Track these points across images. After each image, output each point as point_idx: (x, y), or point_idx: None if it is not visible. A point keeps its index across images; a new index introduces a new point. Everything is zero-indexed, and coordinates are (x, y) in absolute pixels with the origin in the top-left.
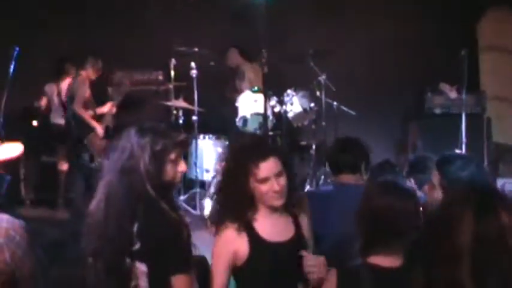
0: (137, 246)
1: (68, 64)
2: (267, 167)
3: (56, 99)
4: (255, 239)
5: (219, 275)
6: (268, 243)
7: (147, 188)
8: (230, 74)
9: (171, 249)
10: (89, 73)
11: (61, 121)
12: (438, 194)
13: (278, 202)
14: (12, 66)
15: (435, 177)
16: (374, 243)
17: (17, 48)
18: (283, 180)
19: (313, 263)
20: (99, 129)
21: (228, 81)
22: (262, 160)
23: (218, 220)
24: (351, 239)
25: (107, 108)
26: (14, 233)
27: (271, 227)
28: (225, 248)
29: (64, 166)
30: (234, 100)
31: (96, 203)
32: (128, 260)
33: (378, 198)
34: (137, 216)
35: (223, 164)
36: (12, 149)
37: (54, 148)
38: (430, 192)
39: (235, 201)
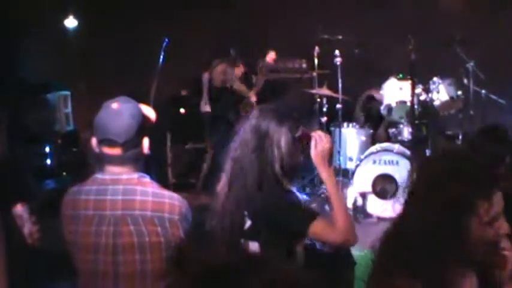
0: (248, 224)
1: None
2: (499, 200)
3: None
4: None
5: None
6: None
7: (275, 170)
8: None
9: (282, 228)
10: (228, 67)
11: (207, 109)
12: None
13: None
14: (161, 56)
15: None
16: None
17: (166, 39)
18: None
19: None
20: None
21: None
22: (495, 192)
23: (384, 269)
24: None
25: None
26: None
27: None
28: None
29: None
30: None
31: (222, 182)
32: (241, 239)
33: None
34: (253, 196)
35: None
36: (149, 113)
37: (202, 135)
38: None
39: (431, 250)
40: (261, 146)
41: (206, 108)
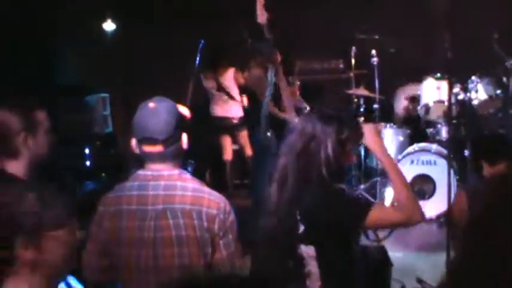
0: (301, 229)
1: (225, 56)
2: None
3: (217, 94)
4: None
5: None
6: None
7: (322, 172)
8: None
9: (337, 228)
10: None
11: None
12: None
13: None
14: (198, 58)
15: None
16: None
17: (202, 41)
18: None
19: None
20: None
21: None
22: None
23: None
24: None
25: None
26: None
27: None
28: None
29: (228, 156)
30: None
31: (273, 187)
32: (297, 244)
33: None
34: (304, 199)
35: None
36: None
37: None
38: None
39: None
40: (307, 149)
41: (229, 114)
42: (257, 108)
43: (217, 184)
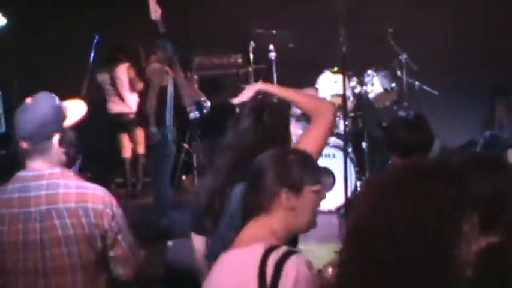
0: None
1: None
2: None
3: (110, 88)
4: None
5: None
6: None
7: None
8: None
9: None
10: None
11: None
12: None
13: None
14: (92, 54)
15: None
16: None
17: (97, 37)
18: None
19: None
20: None
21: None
22: None
23: None
24: None
25: None
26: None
27: None
28: None
29: (127, 153)
30: None
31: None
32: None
33: None
34: None
35: None
36: (76, 108)
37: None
38: None
39: None
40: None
41: (124, 109)
42: (159, 105)
43: (115, 183)
